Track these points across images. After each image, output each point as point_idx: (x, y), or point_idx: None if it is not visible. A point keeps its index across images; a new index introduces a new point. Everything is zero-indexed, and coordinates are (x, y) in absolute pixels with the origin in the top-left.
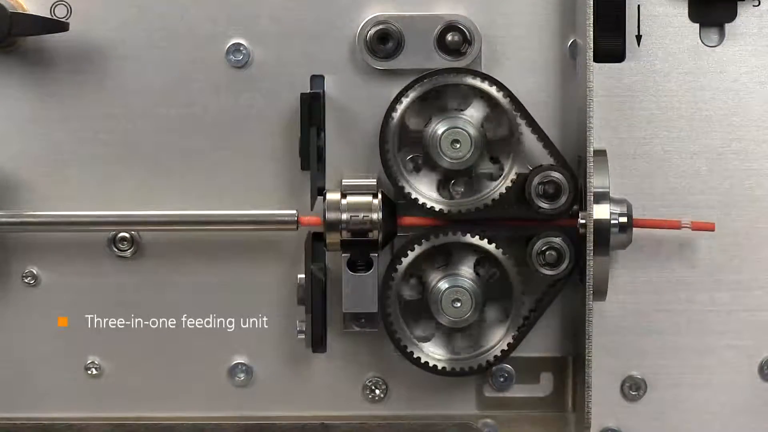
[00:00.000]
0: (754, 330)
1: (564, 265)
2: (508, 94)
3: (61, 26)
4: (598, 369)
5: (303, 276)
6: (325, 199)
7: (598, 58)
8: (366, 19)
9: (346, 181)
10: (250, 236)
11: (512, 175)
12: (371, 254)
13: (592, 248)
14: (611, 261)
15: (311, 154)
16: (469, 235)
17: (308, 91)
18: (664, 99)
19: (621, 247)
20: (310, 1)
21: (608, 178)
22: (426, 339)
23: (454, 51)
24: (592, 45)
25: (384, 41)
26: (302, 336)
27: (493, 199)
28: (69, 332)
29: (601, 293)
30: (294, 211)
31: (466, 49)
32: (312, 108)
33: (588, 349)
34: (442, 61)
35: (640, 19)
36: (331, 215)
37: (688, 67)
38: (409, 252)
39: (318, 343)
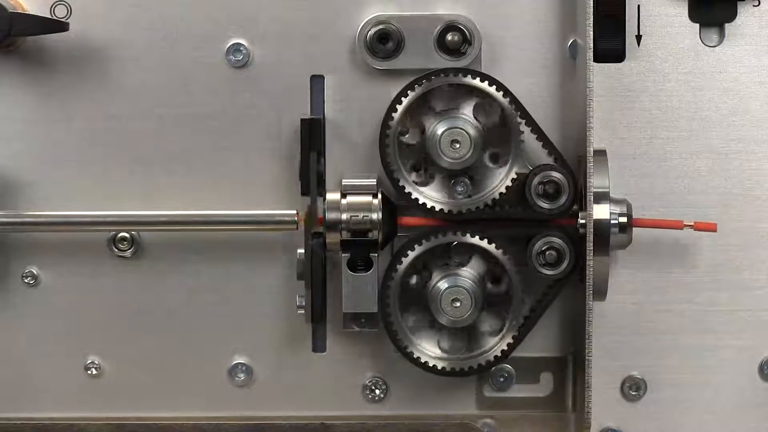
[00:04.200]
0: (754, 330)
1: (564, 265)
2: (508, 94)
3: (61, 26)
4: (598, 369)
5: (302, 251)
6: (325, 199)
7: (598, 58)
8: (366, 19)
9: (346, 181)
10: (251, 236)
11: (512, 175)
12: (371, 254)
13: (592, 248)
14: (611, 261)
15: (311, 180)
16: (468, 235)
17: (308, 90)
18: (664, 99)
19: (621, 247)
20: (310, 1)
21: (608, 178)
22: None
23: (454, 51)
24: (592, 45)
25: (384, 41)
26: (302, 311)
27: (493, 199)
28: (69, 332)
29: (601, 293)
30: (294, 211)
31: (466, 49)
32: (312, 132)
33: (588, 349)
34: (442, 61)
35: (640, 19)
36: (331, 215)
37: (688, 67)
38: (409, 252)
39: (318, 317)
